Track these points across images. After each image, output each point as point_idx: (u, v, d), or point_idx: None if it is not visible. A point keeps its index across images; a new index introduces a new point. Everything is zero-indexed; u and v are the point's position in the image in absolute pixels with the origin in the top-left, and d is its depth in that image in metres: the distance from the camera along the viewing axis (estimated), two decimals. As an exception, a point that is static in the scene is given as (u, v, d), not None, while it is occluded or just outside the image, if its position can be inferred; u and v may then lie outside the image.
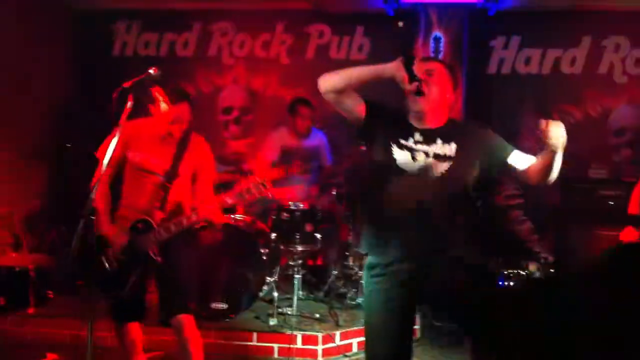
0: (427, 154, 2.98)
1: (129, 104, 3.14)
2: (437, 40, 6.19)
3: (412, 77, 2.84)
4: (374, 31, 6.66)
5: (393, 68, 2.87)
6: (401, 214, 2.94)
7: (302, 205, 5.26)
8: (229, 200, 3.51)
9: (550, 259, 5.73)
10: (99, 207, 3.57)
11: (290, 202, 5.31)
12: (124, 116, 3.17)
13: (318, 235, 5.23)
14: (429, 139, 3.00)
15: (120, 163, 3.71)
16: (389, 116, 3.05)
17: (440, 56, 6.13)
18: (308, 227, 5.18)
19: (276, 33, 6.78)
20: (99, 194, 3.53)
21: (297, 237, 5.12)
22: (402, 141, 2.98)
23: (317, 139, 6.02)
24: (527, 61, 6.50)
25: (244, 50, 6.84)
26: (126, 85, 3.13)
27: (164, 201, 3.67)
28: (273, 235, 5.18)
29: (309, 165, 5.80)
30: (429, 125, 3.03)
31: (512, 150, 3.09)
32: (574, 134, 6.30)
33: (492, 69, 6.57)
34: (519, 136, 6.43)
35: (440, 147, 3.00)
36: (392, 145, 2.98)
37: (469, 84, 6.31)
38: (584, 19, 6.34)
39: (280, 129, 5.97)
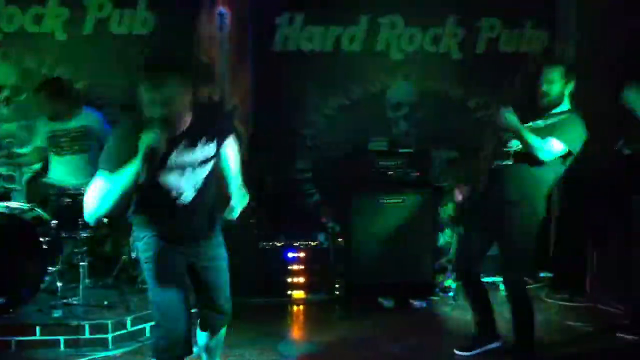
0: (193, 166, 2.99)
1: None
2: (221, 16, 6.13)
3: None
4: (159, 5, 6.36)
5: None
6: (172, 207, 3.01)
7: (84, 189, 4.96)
8: None
9: (337, 228, 6.00)
10: None
11: (71, 187, 5.00)
12: None
13: (104, 220, 4.97)
14: (190, 144, 2.97)
15: None
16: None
17: (225, 31, 6.08)
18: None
19: (50, 5, 6.26)
20: None
21: (80, 222, 4.83)
22: (168, 162, 2.93)
23: (88, 119, 5.64)
24: (311, 38, 6.64)
25: (13, 25, 6.25)
26: None
27: None
28: (53, 222, 4.85)
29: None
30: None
31: (236, 171, 3.27)
32: (356, 109, 6.66)
33: (278, 46, 6.62)
34: (305, 113, 6.62)
35: (202, 151, 3.01)
36: (159, 171, 2.94)
37: (256, 61, 6.33)
38: (362, -2, 6.61)
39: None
